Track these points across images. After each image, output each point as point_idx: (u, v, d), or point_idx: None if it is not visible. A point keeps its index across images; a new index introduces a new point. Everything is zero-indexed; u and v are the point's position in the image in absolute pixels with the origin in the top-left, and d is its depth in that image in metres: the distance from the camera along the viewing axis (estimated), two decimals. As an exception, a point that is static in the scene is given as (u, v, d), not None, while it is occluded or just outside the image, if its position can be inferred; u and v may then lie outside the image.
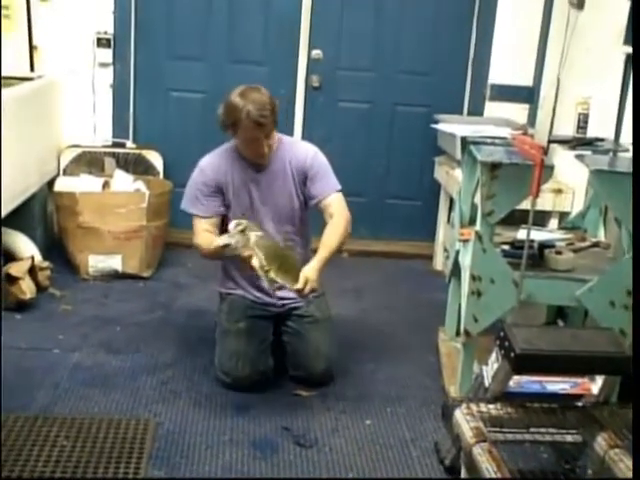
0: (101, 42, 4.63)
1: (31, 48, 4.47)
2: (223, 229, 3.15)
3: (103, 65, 4.68)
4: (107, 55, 4.66)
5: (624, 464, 1.85)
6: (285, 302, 3.29)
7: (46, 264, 4.01)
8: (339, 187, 3.23)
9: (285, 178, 3.23)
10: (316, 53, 4.81)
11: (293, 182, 3.23)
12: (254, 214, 3.19)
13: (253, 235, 2.87)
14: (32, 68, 4.49)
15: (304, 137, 3.25)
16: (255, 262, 2.83)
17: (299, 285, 2.86)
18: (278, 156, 3.22)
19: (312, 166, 3.22)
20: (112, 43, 4.65)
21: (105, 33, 4.62)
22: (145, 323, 3.74)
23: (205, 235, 3.13)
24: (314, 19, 4.78)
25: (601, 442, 1.95)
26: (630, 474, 1.81)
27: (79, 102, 4.70)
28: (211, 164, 3.23)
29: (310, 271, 2.92)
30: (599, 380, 2.24)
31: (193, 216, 3.22)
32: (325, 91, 4.81)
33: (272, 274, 2.83)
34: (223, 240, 2.89)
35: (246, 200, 3.21)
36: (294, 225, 3.27)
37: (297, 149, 3.28)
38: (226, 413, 2.97)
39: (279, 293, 3.24)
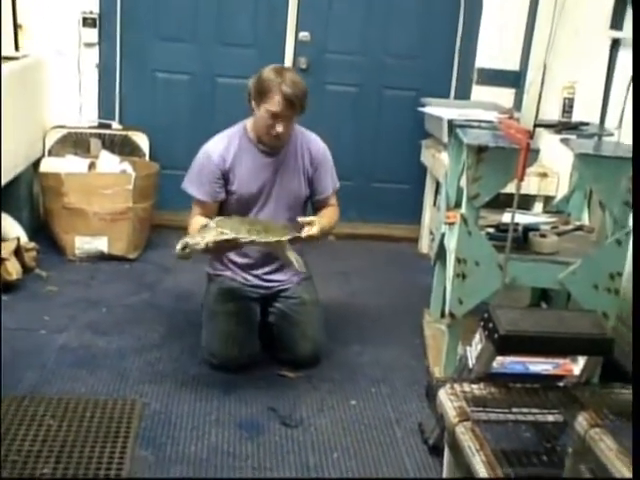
0: (87, 22, 4.59)
1: (16, 27, 4.43)
2: (222, 213, 3.18)
3: (89, 45, 4.65)
4: (93, 35, 4.62)
5: (604, 443, 1.88)
6: (272, 284, 3.31)
7: (32, 245, 4.00)
8: (338, 186, 3.36)
9: (296, 166, 3.23)
10: (304, 35, 4.80)
11: (304, 172, 3.25)
12: (260, 198, 3.20)
13: (212, 222, 2.89)
14: (17, 47, 4.46)
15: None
16: (229, 235, 2.83)
17: (307, 221, 2.96)
18: (291, 144, 3.22)
19: (323, 161, 3.28)
20: (98, 23, 4.61)
21: (91, 12, 4.58)
22: (132, 305, 3.75)
23: (196, 220, 3.13)
24: (302, 1, 4.77)
25: (582, 421, 1.98)
26: (610, 453, 1.84)
27: (64, 82, 4.66)
28: (219, 149, 3.18)
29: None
30: (581, 361, 2.27)
31: (193, 198, 3.21)
32: (313, 73, 4.81)
33: (256, 234, 2.85)
34: (180, 243, 2.84)
35: (254, 183, 3.20)
36: (296, 214, 3.22)
37: (310, 140, 3.29)
38: (212, 394, 2.99)
39: (267, 276, 3.26)
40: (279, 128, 3.06)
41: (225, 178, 3.18)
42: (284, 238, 2.92)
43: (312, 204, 3.35)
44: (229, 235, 2.83)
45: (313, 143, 3.28)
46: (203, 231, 2.88)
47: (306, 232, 2.96)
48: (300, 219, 3.00)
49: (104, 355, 3.23)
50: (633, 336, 2.20)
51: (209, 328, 3.23)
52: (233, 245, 2.92)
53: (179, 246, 2.83)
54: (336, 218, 3.29)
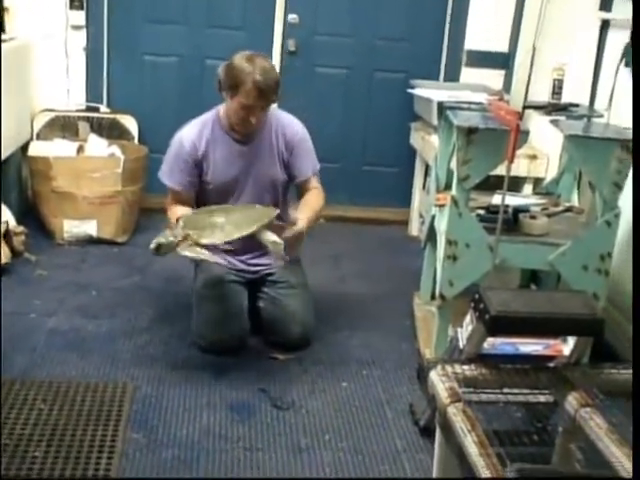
0: (74, 4, 4.56)
1: (1, 9, 4.38)
2: (200, 202, 3.17)
3: (76, 28, 4.63)
4: (80, 17, 4.60)
5: (594, 422, 1.88)
6: (259, 268, 3.31)
7: (21, 229, 3.98)
8: (318, 166, 3.28)
9: (271, 152, 3.20)
10: (292, 17, 4.78)
11: (279, 156, 3.21)
12: (236, 186, 3.18)
13: (181, 221, 2.88)
14: (3, 30, 4.41)
15: (280, 103, 3.26)
16: (193, 236, 2.80)
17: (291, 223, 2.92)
18: (266, 129, 3.19)
19: (299, 144, 3.22)
20: (85, 5, 4.58)
21: (78, -5, 4.56)
22: (121, 288, 3.74)
23: (174, 209, 3.13)
24: (291, -17, 4.75)
25: (572, 401, 1.98)
26: (601, 432, 1.85)
27: (52, 65, 4.64)
28: (191, 136, 3.16)
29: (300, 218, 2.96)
30: (571, 342, 2.28)
31: (168, 187, 3.20)
32: (302, 56, 4.79)
33: (220, 231, 2.83)
34: (154, 243, 2.84)
35: (229, 172, 3.18)
36: (276, 200, 3.23)
37: (286, 124, 3.23)
38: (203, 376, 2.99)
39: (252, 261, 3.25)
40: (252, 119, 3.03)
41: (199, 167, 3.16)
42: (251, 231, 2.85)
43: (295, 188, 3.32)
44: (193, 238, 2.79)
45: (288, 127, 3.23)
46: (172, 229, 2.88)
47: (291, 232, 2.90)
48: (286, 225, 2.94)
49: (94, 338, 3.22)
50: (633, 331, 2.21)
51: (198, 312, 3.23)
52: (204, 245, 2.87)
53: (152, 246, 2.83)
54: (321, 202, 3.22)
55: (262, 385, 2.95)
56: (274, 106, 3.22)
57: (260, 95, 2.97)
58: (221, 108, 3.19)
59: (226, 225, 2.86)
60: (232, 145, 3.18)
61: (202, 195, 3.21)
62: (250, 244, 3.13)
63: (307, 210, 3.09)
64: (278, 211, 3.01)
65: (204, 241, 2.81)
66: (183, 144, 3.16)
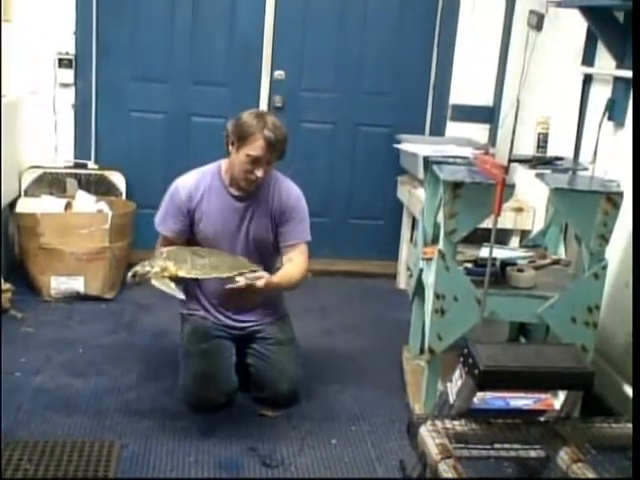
0: (62, 62, 4.61)
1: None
2: None
3: (64, 85, 4.66)
4: (68, 75, 4.64)
5: (587, 478, 1.87)
6: (245, 325, 3.29)
7: (7, 286, 3.96)
8: (309, 239, 3.24)
9: (266, 212, 3.19)
10: (279, 74, 4.84)
11: (271, 217, 3.20)
12: (226, 241, 3.17)
13: (164, 251, 2.89)
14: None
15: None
16: (171, 269, 2.81)
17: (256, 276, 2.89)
18: (263, 188, 3.19)
19: (293, 208, 3.21)
20: (73, 63, 4.63)
21: (66, 53, 4.60)
22: (108, 345, 3.71)
23: (161, 249, 3.11)
24: (276, 40, 4.81)
25: (564, 456, 1.97)
26: (593, 488, 1.84)
27: (40, 122, 4.67)
28: (188, 185, 3.18)
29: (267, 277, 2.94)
30: (561, 396, 2.27)
31: (160, 233, 3.22)
32: (288, 111, 4.83)
33: (200, 269, 2.84)
34: (131, 271, 2.86)
35: (220, 226, 3.18)
36: (264, 260, 3.19)
37: (283, 187, 3.23)
38: (191, 434, 2.95)
39: (238, 317, 3.24)
40: (258, 173, 3.04)
41: (191, 216, 3.17)
42: (227, 275, 2.86)
43: (280, 253, 3.25)
44: (170, 269, 2.80)
45: (285, 190, 3.23)
46: (152, 260, 2.87)
47: (247, 280, 2.88)
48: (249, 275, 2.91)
49: (80, 396, 3.18)
50: (633, 335, 2.20)
51: (185, 368, 3.20)
52: (179, 278, 2.87)
53: (130, 273, 2.86)
54: (298, 276, 3.15)
55: (251, 442, 2.91)
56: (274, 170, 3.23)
57: (269, 147, 3.00)
58: (223, 163, 3.21)
59: (207, 265, 2.88)
60: (228, 200, 3.18)
61: (192, 244, 3.20)
62: (234, 300, 3.09)
63: (279, 275, 3.09)
64: (261, 269, 3.00)
65: (181, 273, 2.82)
66: (179, 191, 3.18)
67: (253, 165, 3.03)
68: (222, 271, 2.88)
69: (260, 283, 2.90)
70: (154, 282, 2.80)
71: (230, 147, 3.09)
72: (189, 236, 3.22)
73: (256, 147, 2.99)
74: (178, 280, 2.85)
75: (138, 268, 2.84)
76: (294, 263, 3.17)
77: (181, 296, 2.89)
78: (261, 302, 3.20)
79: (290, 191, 3.24)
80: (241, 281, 2.87)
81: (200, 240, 3.18)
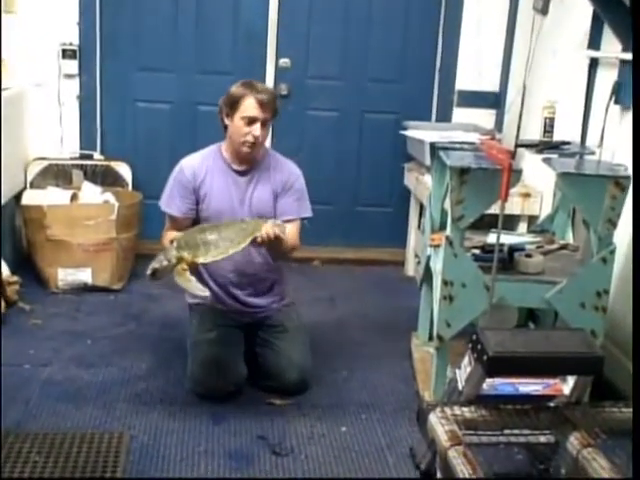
0: (66, 53, 4.60)
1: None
2: None
3: (69, 76, 4.65)
4: (73, 66, 4.63)
5: (597, 463, 1.86)
6: (252, 310, 3.29)
7: (15, 279, 3.97)
8: (305, 215, 3.29)
9: (266, 186, 3.23)
10: (284, 61, 4.82)
11: (272, 192, 3.23)
12: (229, 214, 3.17)
13: (174, 243, 2.87)
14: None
15: (273, 146, 3.28)
16: (187, 258, 2.81)
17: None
18: (264, 165, 3.24)
19: (292, 185, 3.25)
20: (78, 54, 4.62)
21: (70, 44, 4.59)
22: (117, 336, 3.71)
23: (167, 234, 3.16)
24: (281, 28, 4.79)
25: (574, 442, 1.97)
26: (604, 473, 1.83)
27: (45, 114, 4.66)
28: (192, 164, 3.23)
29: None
30: (570, 381, 2.26)
31: (166, 215, 3.23)
32: (294, 99, 4.82)
33: (214, 249, 2.82)
34: (150, 269, 2.85)
35: (224, 202, 3.20)
36: None
37: (284, 165, 3.29)
38: (200, 424, 2.95)
39: (246, 299, 3.26)
40: (256, 132, 3.08)
41: (196, 194, 3.20)
42: (245, 244, 2.87)
43: None
44: (187, 259, 2.80)
45: (286, 167, 3.29)
46: (165, 252, 2.87)
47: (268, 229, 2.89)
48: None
49: (89, 388, 3.19)
50: (633, 335, 2.19)
51: (193, 357, 3.20)
52: (196, 267, 2.90)
53: (148, 272, 2.85)
54: (291, 244, 3.16)
55: (260, 431, 2.91)
56: (271, 150, 3.23)
57: (261, 106, 3.07)
58: (222, 144, 3.25)
59: (220, 241, 2.86)
60: (231, 175, 3.22)
61: (194, 224, 3.20)
62: (243, 279, 3.18)
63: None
64: (271, 219, 3.03)
65: (200, 260, 2.83)
66: (183, 171, 3.21)
67: (250, 126, 3.09)
68: (238, 242, 2.87)
69: (278, 230, 2.91)
70: (177, 280, 2.82)
71: (226, 120, 3.16)
72: (194, 217, 3.23)
73: (249, 107, 3.07)
74: (196, 267, 2.87)
75: (155, 264, 2.83)
76: (291, 233, 3.17)
77: (206, 293, 2.92)
78: (269, 285, 3.28)
79: (290, 168, 3.30)
80: (263, 230, 2.87)
81: (203, 220, 3.19)
